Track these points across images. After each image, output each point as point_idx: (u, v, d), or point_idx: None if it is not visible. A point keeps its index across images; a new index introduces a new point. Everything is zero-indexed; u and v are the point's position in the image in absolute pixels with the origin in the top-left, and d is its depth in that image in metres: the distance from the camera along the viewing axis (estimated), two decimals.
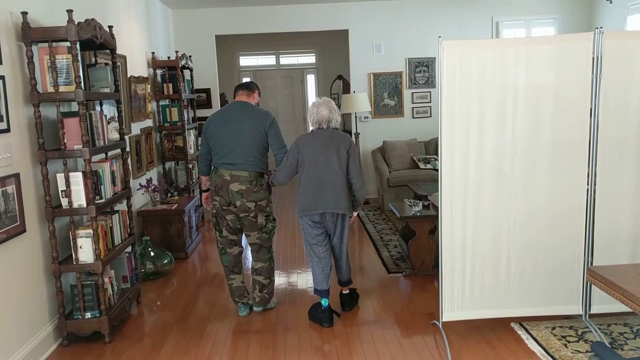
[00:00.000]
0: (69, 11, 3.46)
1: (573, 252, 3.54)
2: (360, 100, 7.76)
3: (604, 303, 3.49)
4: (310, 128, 4.06)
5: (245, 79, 11.21)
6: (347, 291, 4.20)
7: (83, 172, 3.60)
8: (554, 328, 3.59)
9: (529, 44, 3.47)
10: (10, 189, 3.26)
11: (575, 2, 8.05)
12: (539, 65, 3.39)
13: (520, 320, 3.69)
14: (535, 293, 3.58)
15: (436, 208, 4.87)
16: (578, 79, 3.39)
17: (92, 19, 3.73)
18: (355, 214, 4.10)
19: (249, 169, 3.93)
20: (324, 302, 3.95)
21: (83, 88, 3.54)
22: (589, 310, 3.59)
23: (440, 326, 3.61)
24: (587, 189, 3.48)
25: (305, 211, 3.92)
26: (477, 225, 3.49)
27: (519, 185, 3.47)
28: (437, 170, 7.30)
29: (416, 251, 4.79)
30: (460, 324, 3.65)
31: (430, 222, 4.79)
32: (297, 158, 3.91)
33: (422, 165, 7.54)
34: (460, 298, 3.55)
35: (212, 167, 4.09)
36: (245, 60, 11.34)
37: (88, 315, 3.69)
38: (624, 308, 2.62)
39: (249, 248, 4.18)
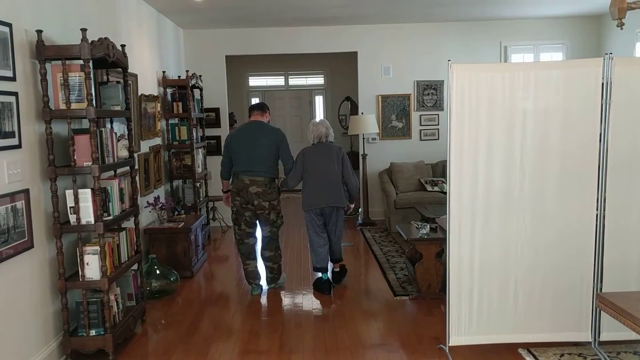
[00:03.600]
0: (83, 30, 3.51)
1: (582, 278, 3.51)
2: (368, 121, 7.79)
3: (613, 330, 3.44)
4: (311, 142, 5.15)
5: (254, 100, 11.33)
6: (338, 268, 5.26)
7: (92, 189, 3.61)
8: (562, 355, 3.54)
9: (538, 68, 3.48)
10: (20, 204, 3.27)
11: (583, 28, 8.09)
12: (548, 89, 3.41)
13: (528, 346, 3.64)
14: (543, 319, 3.54)
15: (443, 231, 4.85)
16: (587, 104, 3.39)
17: (105, 38, 3.78)
18: (352, 205, 5.24)
19: (265, 175, 4.86)
20: (324, 276, 5.06)
21: (94, 105, 3.57)
22: (598, 337, 3.55)
23: (447, 351, 3.57)
24: (597, 214, 3.46)
25: (311, 206, 5.00)
26: (485, 250, 3.47)
27: (527, 209, 3.46)
28: (444, 193, 7.32)
29: (423, 274, 4.75)
30: (467, 349, 3.61)
31: (438, 245, 4.76)
32: (303, 165, 4.96)
33: (429, 188, 7.52)
34: (468, 322, 3.51)
35: (234, 174, 4.96)
36: (255, 81, 11.43)
37: (92, 332, 3.67)
38: (634, 336, 2.59)
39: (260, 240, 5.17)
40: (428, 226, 4.95)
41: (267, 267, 5.19)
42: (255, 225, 5.07)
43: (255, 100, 11.39)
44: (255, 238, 5.15)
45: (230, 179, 5.09)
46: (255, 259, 5.13)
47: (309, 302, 4.88)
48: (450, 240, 3.45)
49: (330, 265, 5.21)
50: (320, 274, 5.13)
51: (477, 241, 3.45)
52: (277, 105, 11.28)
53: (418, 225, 5.01)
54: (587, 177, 3.44)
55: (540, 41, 8.17)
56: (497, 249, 3.48)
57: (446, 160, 8.05)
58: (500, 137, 3.41)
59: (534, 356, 3.54)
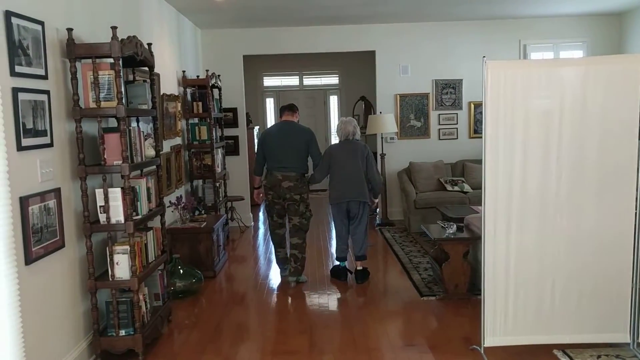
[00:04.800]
0: (113, 28, 3.49)
1: (620, 278, 3.44)
2: (387, 121, 7.73)
3: None
4: (338, 139, 5.46)
5: (269, 100, 11.34)
6: (361, 268, 5.36)
7: (122, 188, 3.58)
8: (599, 357, 3.48)
9: (576, 65, 3.42)
10: (52, 203, 3.25)
11: (603, 25, 8.00)
12: (586, 87, 3.33)
13: (564, 348, 3.58)
14: (580, 319, 3.47)
15: (470, 231, 4.80)
16: (626, 102, 3.32)
17: (134, 36, 3.75)
18: (376, 200, 5.56)
19: (296, 171, 5.24)
20: (342, 264, 5.45)
21: (124, 104, 3.55)
22: (637, 338, 3.48)
23: (482, 351, 3.51)
24: (636, 213, 3.39)
25: (336, 199, 5.31)
26: (521, 250, 3.41)
27: (564, 209, 3.40)
28: (464, 192, 7.27)
29: (450, 274, 4.69)
30: (500, 350, 3.55)
31: (465, 245, 4.70)
32: (330, 161, 5.27)
33: (449, 187, 7.45)
34: (503, 323, 3.46)
35: (267, 170, 5.35)
36: (269, 81, 11.39)
37: (122, 332, 3.64)
38: None
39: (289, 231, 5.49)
40: (455, 226, 4.88)
41: (292, 255, 5.38)
42: (285, 216, 5.43)
43: (269, 101, 11.40)
44: (286, 228, 5.54)
45: (263, 176, 5.51)
46: (284, 247, 5.58)
47: (334, 302, 4.84)
48: (486, 240, 3.39)
49: (346, 263, 5.46)
50: (338, 262, 5.51)
51: (512, 241, 3.40)
52: None
53: (444, 225, 4.96)
54: (626, 176, 3.36)
55: (560, 40, 8.08)
56: (533, 249, 3.42)
57: (465, 160, 8.01)
58: (536, 135, 3.34)
59: (570, 357, 3.48)
